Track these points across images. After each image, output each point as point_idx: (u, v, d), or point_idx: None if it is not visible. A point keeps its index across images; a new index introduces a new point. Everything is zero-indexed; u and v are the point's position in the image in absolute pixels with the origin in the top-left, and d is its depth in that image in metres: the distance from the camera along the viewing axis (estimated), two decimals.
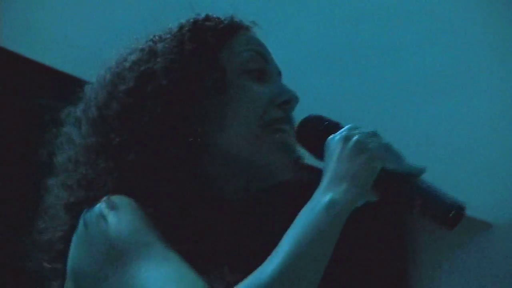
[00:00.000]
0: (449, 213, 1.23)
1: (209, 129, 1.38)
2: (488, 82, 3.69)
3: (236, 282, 1.19)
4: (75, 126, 1.45)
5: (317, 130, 1.35)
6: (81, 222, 1.32)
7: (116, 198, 1.31)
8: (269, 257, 1.19)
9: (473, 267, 4.78)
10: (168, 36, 1.44)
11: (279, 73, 1.49)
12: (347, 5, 3.25)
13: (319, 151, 1.32)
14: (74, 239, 1.33)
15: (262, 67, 1.45)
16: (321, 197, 1.23)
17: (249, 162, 1.39)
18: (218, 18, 1.47)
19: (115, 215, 1.28)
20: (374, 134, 1.29)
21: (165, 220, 1.31)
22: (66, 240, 1.36)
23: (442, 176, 3.87)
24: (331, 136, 1.31)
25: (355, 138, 1.28)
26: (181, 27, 1.45)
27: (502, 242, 4.75)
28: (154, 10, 3.13)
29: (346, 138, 1.28)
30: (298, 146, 1.41)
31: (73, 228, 1.35)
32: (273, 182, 1.41)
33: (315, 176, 1.31)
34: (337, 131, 1.31)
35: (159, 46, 1.42)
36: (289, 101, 1.43)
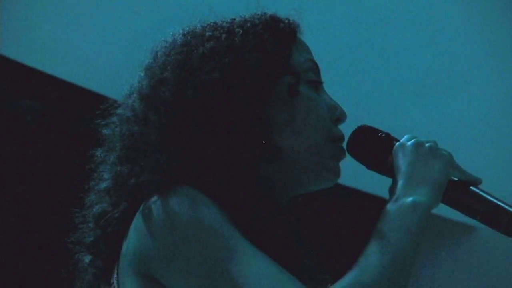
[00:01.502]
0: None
1: (279, 132, 1.40)
2: (485, 82, 3.69)
3: None
4: (141, 102, 1.41)
5: (376, 140, 1.42)
6: (152, 211, 1.30)
7: (190, 191, 1.30)
8: (365, 256, 1.25)
9: (456, 271, 4.79)
10: (240, 30, 1.43)
11: None
12: (345, 6, 3.26)
13: (374, 161, 1.42)
14: (143, 229, 1.30)
15: (319, 79, 1.48)
16: (405, 199, 1.31)
17: (307, 169, 1.42)
18: (286, 20, 1.48)
19: (197, 208, 1.28)
20: (437, 144, 1.38)
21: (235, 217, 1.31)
22: (123, 222, 1.35)
23: None
24: (400, 142, 1.40)
25: (428, 144, 1.37)
26: (254, 24, 1.44)
27: (485, 245, 4.76)
28: (150, 18, 3.15)
29: (419, 144, 1.37)
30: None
31: (131, 210, 1.33)
32: (316, 190, 1.46)
33: None
34: (393, 141, 1.40)
35: (237, 39, 1.42)
36: (342, 118, 1.47)
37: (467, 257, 4.78)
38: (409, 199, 1.31)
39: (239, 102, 1.36)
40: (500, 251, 4.69)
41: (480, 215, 1.34)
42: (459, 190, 1.35)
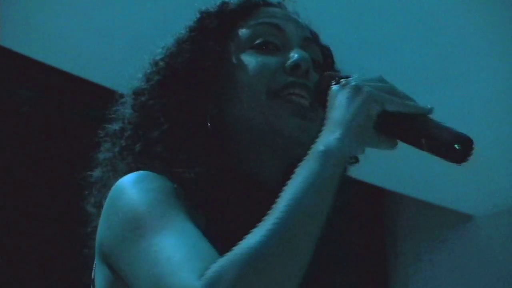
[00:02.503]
0: (454, 146, 1.21)
1: (223, 104, 1.42)
2: (484, 77, 3.69)
3: None
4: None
5: (330, 86, 1.30)
6: (109, 195, 1.33)
7: (141, 172, 1.32)
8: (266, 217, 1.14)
9: (454, 260, 4.80)
10: (193, 25, 1.52)
11: (308, 40, 1.49)
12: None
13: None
14: (102, 213, 1.33)
15: (270, 39, 1.45)
16: (315, 147, 1.19)
17: (263, 131, 1.39)
18: (225, 3, 1.52)
19: (137, 187, 1.29)
20: (379, 79, 1.26)
21: (195, 197, 1.32)
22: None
23: (424, 169, 3.87)
24: (333, 87, 1.27)
25: (352, 83, 1.24)
26: (201, 16, 1.53)
27: (482, 234, 4.77)
28: (147, 6, 3.15)
29: (344, 85, 1.25)
30: (315, 109, 1.39)
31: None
32: (294, 150, 1.38)
33: None
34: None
35: (184, 32, 1.51)
36: (298, 64, 1.41)
37: (464, 245, 4.79)
38: (320, 146, 1.18)
39: (176, 88, 1.45)
40: (497, 240, 4.71)
41: (424, 145, 1.22)
42: (398, 124, 1.24)
